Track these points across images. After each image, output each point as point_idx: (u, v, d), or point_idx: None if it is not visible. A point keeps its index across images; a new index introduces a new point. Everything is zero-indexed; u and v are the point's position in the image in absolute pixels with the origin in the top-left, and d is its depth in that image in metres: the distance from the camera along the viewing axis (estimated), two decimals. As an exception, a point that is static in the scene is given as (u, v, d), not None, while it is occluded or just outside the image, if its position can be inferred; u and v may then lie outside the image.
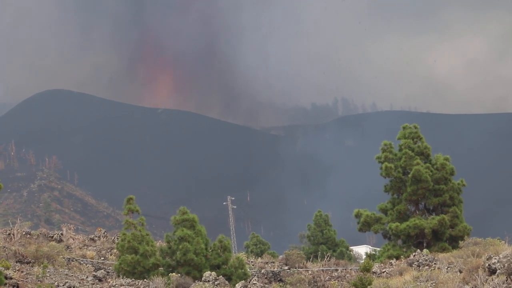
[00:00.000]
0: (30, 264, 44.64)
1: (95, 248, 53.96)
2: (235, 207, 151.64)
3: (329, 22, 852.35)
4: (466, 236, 51.92)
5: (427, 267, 42.48)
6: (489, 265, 34.78)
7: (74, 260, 48.02)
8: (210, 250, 43.73)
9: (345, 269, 49.91)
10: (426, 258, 43.88)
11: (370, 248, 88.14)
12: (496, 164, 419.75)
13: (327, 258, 55.63)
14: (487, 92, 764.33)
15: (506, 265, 34.19)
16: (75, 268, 45.83)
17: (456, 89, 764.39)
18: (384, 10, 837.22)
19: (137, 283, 40.41)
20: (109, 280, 42.58)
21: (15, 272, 41.06)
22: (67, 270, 44.44)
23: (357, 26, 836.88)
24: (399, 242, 53.21)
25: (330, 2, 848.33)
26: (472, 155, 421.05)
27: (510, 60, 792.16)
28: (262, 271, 48.37)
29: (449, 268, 40.10)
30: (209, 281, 40.16)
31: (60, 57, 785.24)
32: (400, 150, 54.58)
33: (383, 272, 43.75)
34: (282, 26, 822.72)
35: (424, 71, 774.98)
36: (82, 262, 48.04)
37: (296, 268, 49.93)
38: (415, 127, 55.31)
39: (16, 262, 44.34)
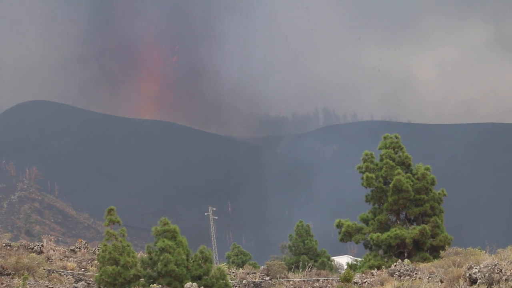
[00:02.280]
0: (10, 276, 44.35)
1: (75, 259, 53.69)
2: (216, 217, 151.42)
3: (308, 32, 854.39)
4: (447, 246, 52.03)
5: (408, 277, 42.54)
6: (470, 275, 34.87)
7: (54, 271, 47.76)
8: (191, 261, 43.65)
9: (327, 279, 49.91)
10: (407, 268, 43.94)
11: (351, 258, 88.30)
12: (475, 174, 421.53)
13: (308, 269, 55.62)
14: (466, 102, 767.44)
15: (486, 274, 34.29)
16: (55, 280, 45.57)
17: (436, 99, 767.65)
18: (364, 19, 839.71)
19: (118, 295, 40.24)
20: (90, 291, 42.38)
21: (-5, 284, 40.81)
22: (47, 282, 44.18)
23: (336, 35, 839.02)
24: (381, 252, 53.24)
25: (308, 12, 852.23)
26: (451, 165, 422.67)
27: (488, 70, 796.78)
28: (244, 282, 48.29)
29: (430, 278, 40.15)
30: (190, 292, 40.04)
31: (40, 67, 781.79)
32: (381, 160, 54.65)
33: (365, 282, 43.78)
34: (262, 38, 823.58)
35: (404, 80, 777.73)
36: (62, 274, 47.78)
37: (277, 278, 49.88)
38: (396, 137, 55.40)
39: (-4, 274, 44.05)
